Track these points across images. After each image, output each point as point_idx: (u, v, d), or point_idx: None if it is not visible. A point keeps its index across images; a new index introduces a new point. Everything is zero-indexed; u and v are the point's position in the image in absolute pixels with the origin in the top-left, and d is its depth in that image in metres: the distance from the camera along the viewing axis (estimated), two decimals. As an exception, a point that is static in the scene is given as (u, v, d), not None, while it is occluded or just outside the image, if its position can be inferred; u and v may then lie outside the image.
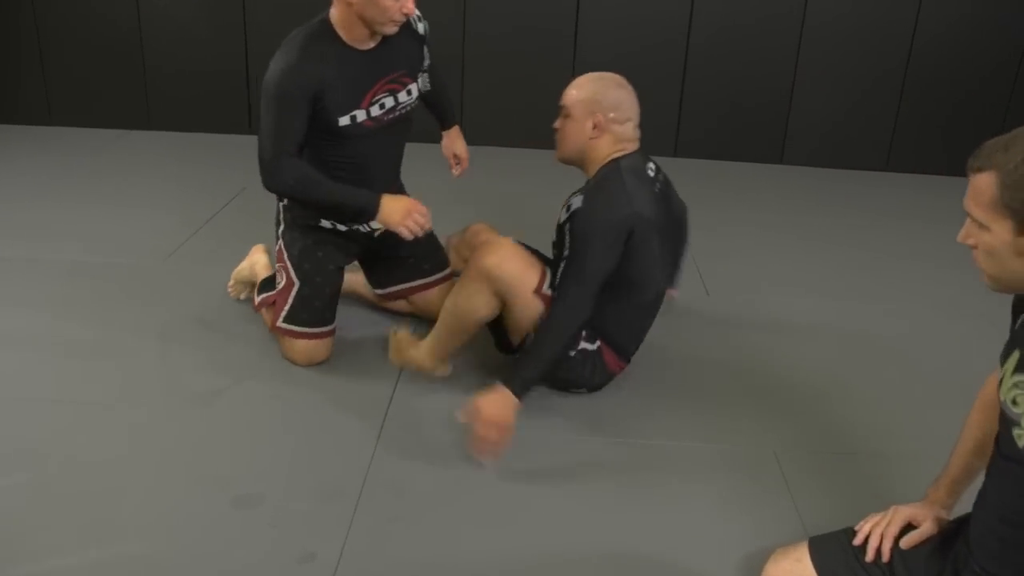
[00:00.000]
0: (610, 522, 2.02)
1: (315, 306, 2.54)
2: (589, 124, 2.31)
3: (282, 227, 2.60)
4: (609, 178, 2.30)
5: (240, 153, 4.57)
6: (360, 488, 2.05)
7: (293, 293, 2.54)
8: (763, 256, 3.57)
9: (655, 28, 4.64)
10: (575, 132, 2.35)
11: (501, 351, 2.52)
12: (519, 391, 2.17)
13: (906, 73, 4.65)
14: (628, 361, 2.50)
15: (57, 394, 2.37)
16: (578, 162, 2.40)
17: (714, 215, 3.89)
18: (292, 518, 1.96)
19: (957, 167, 1.52)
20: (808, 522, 2.02)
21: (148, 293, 2.96)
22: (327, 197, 2.37)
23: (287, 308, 2.54)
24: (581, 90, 2.35)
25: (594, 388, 2.48)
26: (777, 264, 3.50)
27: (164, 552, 1.85)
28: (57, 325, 2.72)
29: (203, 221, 3.59)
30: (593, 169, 2.36)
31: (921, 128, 4.76)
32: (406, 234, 2.34)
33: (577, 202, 2.29)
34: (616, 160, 2.33)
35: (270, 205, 2.53)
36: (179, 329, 2.73)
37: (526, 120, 4.71)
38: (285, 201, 2.58)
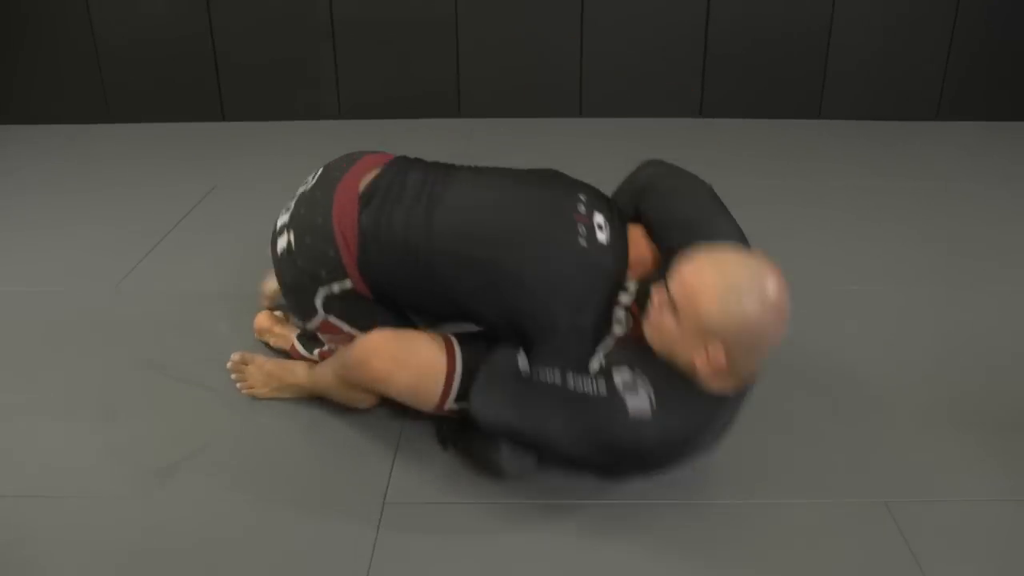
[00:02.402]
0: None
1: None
2: (700, 359, 1.66)
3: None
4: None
5: (211, 144, 4.06)
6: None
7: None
8: (813, 232, 3.05)
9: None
10: (679, 344, 1.69)
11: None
12: None
13: (958, 7, 4.11)
14: None
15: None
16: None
17: (747, 184, 3.38)
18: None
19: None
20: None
21: (92, 332, 2.45)
22: None
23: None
24: (724, 314, 1.61)
25: None
26: (832, 242, 2.97)
27: None
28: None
29: (164, 232, 3.07)
30: None
31: (972, 70, 4.22)
32: None
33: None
34: None
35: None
36: (128, 379, 2.22)
37: (525, 88, 4.18)
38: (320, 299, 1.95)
